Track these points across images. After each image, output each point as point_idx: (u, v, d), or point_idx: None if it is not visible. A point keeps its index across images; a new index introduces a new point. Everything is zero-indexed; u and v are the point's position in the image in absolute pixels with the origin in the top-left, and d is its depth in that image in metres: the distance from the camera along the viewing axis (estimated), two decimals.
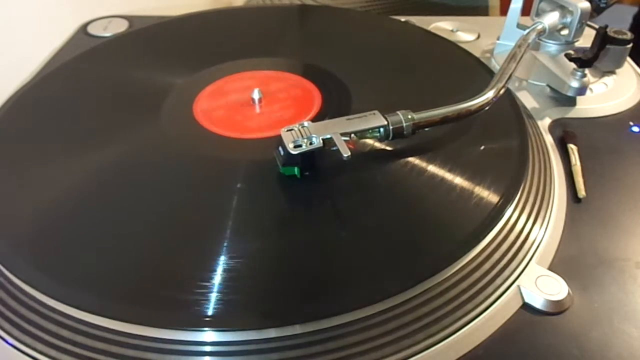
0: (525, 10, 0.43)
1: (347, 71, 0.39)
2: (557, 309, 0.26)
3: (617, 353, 0.25)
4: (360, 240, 0.27)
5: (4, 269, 0.27)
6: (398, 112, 0.31)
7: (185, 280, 0.25)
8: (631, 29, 0.42)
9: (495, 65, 0.44)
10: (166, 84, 0.39)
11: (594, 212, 0.32)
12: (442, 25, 0.50)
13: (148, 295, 0.25)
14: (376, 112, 0.31)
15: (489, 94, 0.33)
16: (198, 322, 0.24)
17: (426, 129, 0.31)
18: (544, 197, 0.31)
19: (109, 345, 0.24)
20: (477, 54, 0.44)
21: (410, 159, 0.31)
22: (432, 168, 0.31)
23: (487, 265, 0.27)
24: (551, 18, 0.39)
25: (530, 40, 0.38)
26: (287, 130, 0.30)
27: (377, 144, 0.32)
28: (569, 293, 0.27)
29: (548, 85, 0.41)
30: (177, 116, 0.36)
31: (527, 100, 0.40)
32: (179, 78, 0.40)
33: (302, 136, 0.29)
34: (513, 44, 0.37)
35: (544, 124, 0.38)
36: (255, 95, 0.37)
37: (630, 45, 0.41)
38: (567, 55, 0.40)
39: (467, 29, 0.49)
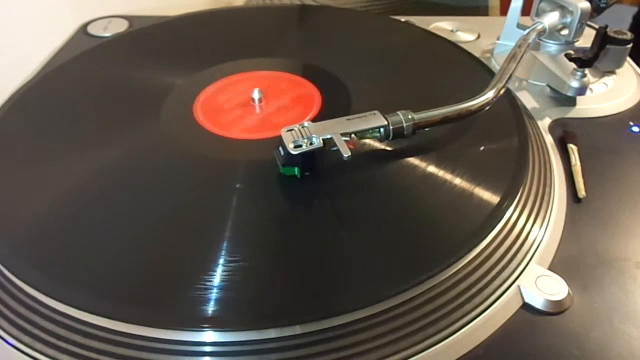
0: (525, 10, 0.43)
1: (347, 71, 0.39)
2: (557, 309, 0.26)
3: (617, 353, 0.25)
4: (360, 240, 0.27)
5: (4, 269, 0.27)
6: (398, 112, 0.31)
7: (185, 280, 0.25)
8: (631, 29, 0.42)
9: (495, 65, 0.44)
10: (166, 84, 0.39)
11: (594, 212, 0.32)
12: (442, 25, 0.50)
13: (148, 295, 0.25)
14: (376, 112, 0.31)
15: (489, 94, 0.33)
16: (198, 322, 0.24)
17: (426, 129, 0.31)
18: (544, 197, 0.31)
19: (108, 345, 0.24)
20: (477, 54, 0.44)
21: (411, 159, 0.31)
22: (432, 168, 0.31)
23: (487, 265, 0.27)
24: (551, 18, 0.39)
25: (530, 40, 0.38)
26: (287, 131, 0.30)
27: (377, 144, 0.32)
28: (569, 293, 0.27)
29: (548, 85, 0.41)
30: (177, 116, 0.36)
31: (527, 100, 0.40)
32: (179, 78, 0.40)
33: (302, 136, 0.29)
34: (513, 44, 0.37)
35: (544, 124, 0.38)
36: (255, 95, 0.37)
37: (630, 45, 0.41)
38: (567, 55, 0.40)
39: (467, 29, 0.49)
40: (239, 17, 0.50)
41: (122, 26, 0.51)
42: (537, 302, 0.26)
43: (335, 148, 0.29)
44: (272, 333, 0.24)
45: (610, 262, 0.29)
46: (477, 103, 0.32)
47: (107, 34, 0.50)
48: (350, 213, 0.29)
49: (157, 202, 0.30)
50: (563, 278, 0.27)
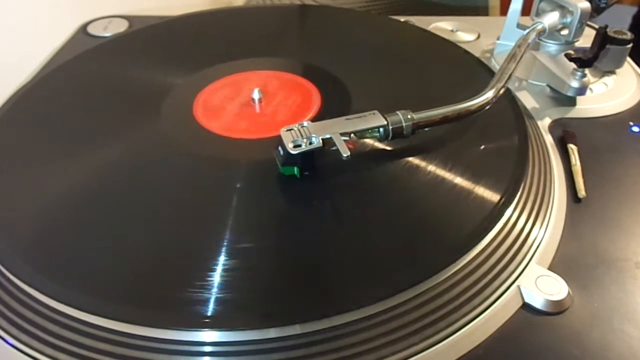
0: (525, 10, 0.43)
1: (347, 71, 0.39)
2: (557, 309, 0.26)
3: (618, 353, 0.25)
4: (359, 240, 0.27)
5: (4, 269, 0.27)
6: (398, 112, 0.31)
7: (185, 280, 0.25)
8: (631, 29, 0.42)
9: (495, 65, 0.44)
10: (166, 84, 0.39)
11: (594, 212, 0.32)
12: (442, 25, 0.50)
13: (148, 295, 0.25)
14: (376, 112, 0.31)
15: (489, 94, 0.33)
16: (198, 322, 0.24)
17: (426, 129, 0.31)
18: (544, 197, 0.31)
19: (108, 346, 0.24)
20: (477, 54, 0.44)
21: (410, 159, 0.31)
22: (431, 168, 0.31)
23: (487, 265, 0.27)
24: (551, 18, 0.39)
25: (530, 40, 0.38)
26: (287, 130, 0.30)
27: (377, 144, 0.32)
28: (569, 293, 0.27)
29: (548, 85, 0.41)
30: (177, 116, 0.36)
31: (527, 100, 0.40)
32: (179, 78, 0.40)
33: (301, 136, 0.29)
34: (513, 44, 0.37)
35: (544, 124, 0.38)
36: (255, 95, 0.37)
37: (630, 45, 0.41)
38: (567, 55, 0.40)
39: (467, 29, 0.49)
40: (238, 17, 0.50)
41: (122, 26, 0.51)
42: (537, 302, 0.26)
43: (334, 148, 0.29)
44: (272, 333, 0.24)
45: (610, 262, 0.29)
46: (477, 103, 0.32)
47: (107, 34, 0.50)
48: (350, 213, 0.29)
49: (157, 202, 0.30)
50: (563, 278, 0.27)
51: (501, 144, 0.33)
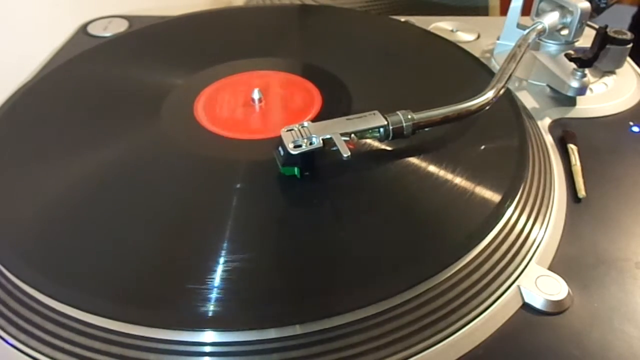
0: (525, 10, 0.43)
1: (347, 71, 0.39)
2: (557, 309, 0.26)
3: (618, 353, 0.25)
4: (360, 240, 0.27)
5: (4, 269, 0.27)
6: (398, 112, 0.31)
7: (185, 280, 0.25)
8: (630, 29, 0.42)
9: (495, 65, 0.44)
10: (166, 84, 0.39)
11: (594, 212, 0.32)
12: (442, 25, 0.50)
13: (148, 295, 0.25)
14: (376, 112, 0.31)
15: (489, 94, 0.33)
16: (198, 322, 0.24)
17: (426, 129, 0.31)
18: (544, 197, 0.31)
19: (108, 346, 0.24)
20: (477, 54, 0.44)
21: (410, 159, 0.31)
22: (432, 168, 0.31)
23: (487, 265, 0.27)
24: (551, 18, 0.39)
25: (530, 40, 0.38)
26: (287, 130, 0.30)
27: (377, 144, 0.32)
28: (569, 293, 0.27)
29: (548, 85, 0.41)
30: (178, 116, 0.36)
31: (527, 100, 0.40)
32: (179, 78, 0.40)
33: (302, 136, 0.29)
34: (513, 44, 0.37)
35: (544, 124, 0.38)
36: (255, 95, 0.37)
37: (630, 45, 0.41)
38: (567, 55, 0.40)
39: (467, 29, 0.49)
40: (239, 17, 0.50)
41: (122, 26, 0.51)
42: (537, 302, 0.26)
43: (335, 148, 0.29)
44: (272, 333, 0.24)
45: (610, 262, 0.29)
46: (477, 103, 0.32)
47: (107, 34, 0.50)
48: (350, 213, 0.29)
49: (157, 202, 0.30)
50: (563, 278, 0.27)
51: (501, 144, 0.33)
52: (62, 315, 0.25)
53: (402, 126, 0.30)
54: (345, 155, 0.28)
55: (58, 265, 0.27)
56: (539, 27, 0.39)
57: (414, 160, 0.31)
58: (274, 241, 0.28)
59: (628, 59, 0.43)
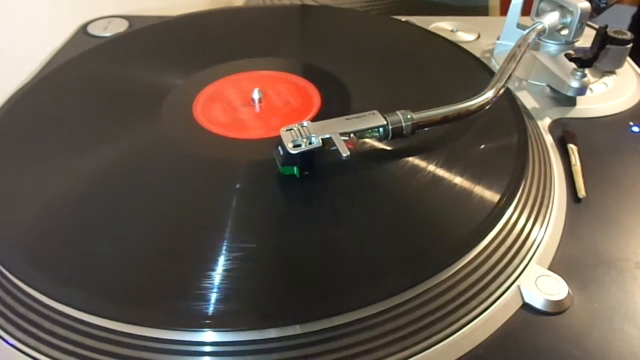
0: (525, 10, 0.43)
1: (347, 71, 0.39)
2: (557, 309, 0.26)
3: (618, 353, 0.25)
4: (360, 240, 0.27)
5: (4, 269, 0.27)
6: (397, 112, 0.31)
7: (185, 280, 0.25)
8: (630, 29, 0.42)
9: (495, 65, 0.44)
10: (166, 84, 0.39)
11: (594, 212, 0.32)
12: (442, 25, 0.50)
13: (148, 295, 0.25)
14: (375, 112, 0.31)
15: (489, 94, 0.33)
16: (198, 322, 0.24)
17: (426, 129, 0.31)
18: (544, 197, 0.31)
19: (108, 345, 0.24)
20: (477, 54, 0.44)
21: (410, 159, 0.31)
22: (431, 168, 0.31)
23: (487, 265, 0.27)
24: (551, 18, 0.39)
25: (530, 40, 0.38)
26: (287, 130, 0.30)
27: (377, 144, 0.32)
28: (569, 293, 0.27)
29: (548, 85, 0.41)
30: (177, 116, 0.36)
31: (527, 100, 0.40)
32: (179, 78, 0.40)
33: (301, 136, 0.29)
34: (513, 44, 0.37)
35: (544, 124, 0.38)
36: (255, 95, 0.37)
37: (630, 45, 0.41)
38: (567, 55, 0.40)
39: (467, 29, 0.49)
40: (239, 17, 0.50)
41: (122, 26, 0.51)
42: (537, 302, 0.26)
43: (334, 148, 0.29)
44: (272, 333, 0.24)
45: (610, 262, 0.29)
46: (477, 103, 0.32)
47: (107, 34, 0.50)
48: (350, 213, 0.29)
49: (157, 202, 0.30)
50: (563, 278, 0.27)
51: (501, 144, 0.33)
52: (62, 315, 0.25)
53: (402, 126, 0.30)
54: (344, 155, 0.28)
55: (58, 265, 0.27)
56: (539, 27, 0.39)
57: (413, 160, 0.31)
58: (274, 241, 0.28)
59: (628, 59, 0.43)
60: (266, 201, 0.30)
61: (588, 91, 0.39)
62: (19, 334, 0.26)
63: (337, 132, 0.29)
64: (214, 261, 0.26)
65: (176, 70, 0.40)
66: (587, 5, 0.39)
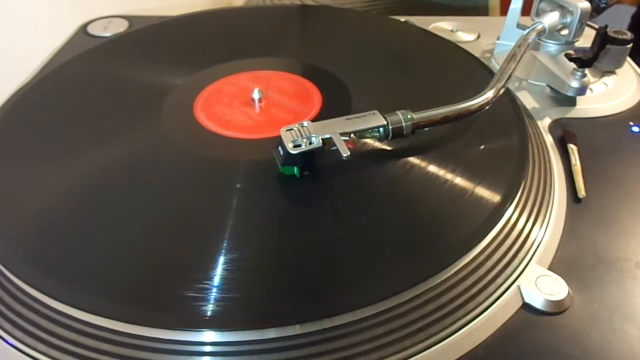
0: (525, 10, 0.43)
1: (347, 71, 0.39)
2: (557, 309, 0.26)
3: (618, 353, 0.25)
4: (360, 240, 0.27)
5: (4, 269, 0.27)
6: (397, 112, 0.31)
7: (185, 280, 0.25)
8: (629, 29, 0.42)
9: (495, 65, 0.44)
10: (166, 84, 0.39)
11: (594, 212, 0.32)
12: (442, 25, 0.50)
13: (148, 295, 0.25)
14: (376, 112, 0.31)
15: (489, 94, 0.33)
16: (198, 322, 0.24)
17: (426, 129, 0.31)
18: (544, 197, 0.31)
19: (108, 345, 0.24)
20: (477, 54, 0.44)
21: (410, 159, 0.31)
22: (431, 168, 0.31)
23: (487, 265, 0.27)
24: (551, 18, 0.39)
25: (530, 40, 0.38)
26: (287, 130, 0.30)
27: (377, 144, 0.32)
28: (569, 293, 0.27)
29: (548, 85, 0.41)
30: (178, 116, 0.36)
31: (527, 100, 0.40)
32: (179, 78, 0.40)
33: (301, 136, 0.29)
34: (513, 44, 0.37)
35: (544, 124, 0.38)
36: (255, 95, 0.37)
37: (630, 45, 0.41)
38: (567, 55, 0.40)
39: (467, 29, 0.49)
40: (239, 17, 0.50)
41: (122, 26, 0.51)
42: (537, 302, 0.26)
43: (334, 148, 0.29)
44: (272, 333, 0.24)
45: (610, 262, 0.29)
46: (477, 103, 0.32)
47: (107, 34, 0.50)
48: (350, 213, 0.29)
49: (157, 202, 0.30)
50: (563, 278, 0.27)
51: (501, 144, 0.33)
52: (62, 315, 0.25)
53: (402, 126, 0.30)
54: (344, 155, 0.28)
55: (58, 265, 0.27)
56: (539, 27, 0.39)
57: (413, 160, 0.31)
58: (274, 241, 0.28)
59: (628, 58, 0.43)
60: (266, 201, 0.30)
61: (588, 91, 0.39)
62: (19, 334, 0.26)
63: (337, 132, 0.29)
64: (214, 261, 0.26)
65: (176, 70, 0.40)
66: (587, 5, 0.39)
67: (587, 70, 0.38)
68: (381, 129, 0.30)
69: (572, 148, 0.35)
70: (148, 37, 0.46)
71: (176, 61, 0.42)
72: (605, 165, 0.34)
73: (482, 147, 0.32)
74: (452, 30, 0.49)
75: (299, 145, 0.29)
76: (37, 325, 0.26)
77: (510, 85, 0.38)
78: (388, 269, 0.26)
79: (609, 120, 0.38)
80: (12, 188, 0.31)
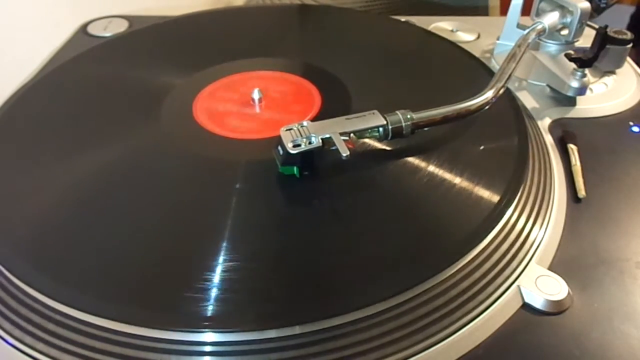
0: (525, 10, 0.43)
1: (347, 71, 0.39)
2: (557, 309, 0.26)
3: (617, 353, 0.25)
4: (359, 240, 0.27)
5: (4, 269, 0.27)
6: (397, 112, 0.31)
7: (185, 281, 0.25)
8: (629, 28, 0.42)
9: (495, 65, 0.44)
10: (166, 84, 0.39)
11: (594, 212, 0.32)
12: (442, 25, 0.50)
13: (148, 295, 0.25)
14: (375, 111, 0.31)
15: (489, 94, 0.33)
16: (198, 322, 0.24)
17: (425, 129, 0.31)
18: (544, 197, 0.31)
19: (108, 345, 0.24)
20: (477, 54, 0.44)
21: (410, 158, 0.31)
22: (431, 168, 0.31)
23: (487, 265, 0.27)
24: (551, 18, 0.39)
25: (530, 40, 0.38)
26: (287, 130, 0.30)
27: (377, 144, 0.32)
28: (569, 293, 0.27)
29: (548, 85, 0.41)
30: (177, 116, 0.36)
31: (527, 100, 0.40)
32: (179, 78, 0.40)
33: (301, 136, 0.29)
34: (513, 44, 0.37)
35: (544, 124, 0.38)
36: (255, 95, 0.37)
37: (630, 45, 0.41)
38: (567, 55, 0.40)
39: (467, 29, 0.49)
40: (239, 17, 0.50)
41: (122, 26, 0.51)
42: (537, 302, 0.26)
43: (334, 147, 0.29)
44: (272, 333, 0.24)
45: (610, 262, 0.29)
46: (477, 103, 0.32)
47: (107, 34, 0.50)
48: (350, 213, 0.29)
49: (157, 202, 0.30)
50: (563, 278, 0.27)
51: (501, 144, 0.33)
52: (62, 315, 0.25)
53: (401, 126, 0.30)
54: (344, 155, 0.28)
55: (58, 265, 0.27)
56: (539, 27, 0.39)
57: (413, 160, 0.31)
58: (274, 241, 0.28)
59: (628, 58, 0.43)
60: (266, 201, 0.30)
61: (588, 91, 0.39)
62: (19, 334, 0.26)
63: (337, 132, 0.29)
64: (214, 261, 0.26)
65: (176, 70, 0.40)
66: (587, 5, 0.39)
67: (587, 70, 0.38)
68: (381, 129, 0.30)
69: (572, 148, 0.35)
70: (148, 37, 0.46)
71: (176, 61, 0.42)
72: (605, 165, 0.34)
73: (482, 147, 0.32)
74: (452, 30, 0.49)
75: (299, 145, 0.29)
76: (37, 325, 0.26)
77: (510, 85, 0.38)
78: (388, 269, 0.26)
79: (609, 120, 0.38)
80: (12, 188, 0.31)
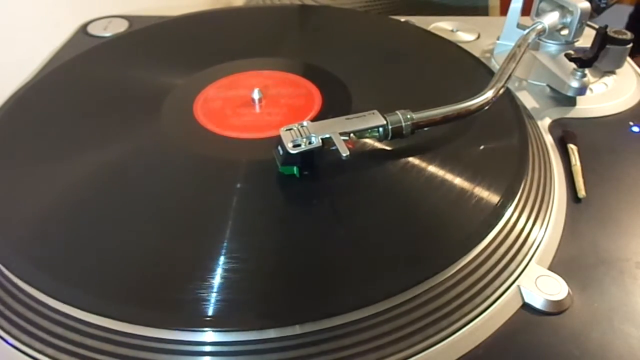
0: (525, 10, 0.43)
1: (347, 71, 0.39)
2: (557, 309, 0.26)
3: (617, 353, 0.25)
4: (359, 240, 0.27)
5: (4, 269, 0.27)
6: (397, 112, 0.31)
7: (185, 281, 0.25)
8: (627, 28, 0.42)
9: (495, 65, 0.44)
10: (166, 84, 0.39)
11: (594, 212, 0.32)
12: (442, 25, 0.50)
13: (148, 295, 0.25)
14: (375, 111, 0.31)
15: (489, 94, 0.33)
16: (198, 322, 0.24)
17: (425, 129, 0.31)
18: (544, 197, 0.31)
19: (108, 345, 0.24)
20: (477, 54, 0.44)
21: (410, 159, 0.31)
22: (431, 168, 0.31)
23: (487, 266, 0.27)
24: (551, 18, 0.39)
25: (530, 40, 0.38)
26: (287, 130, 0.30)
27: (377, 144, 0.32)
28: (569, 293, 0.27)
29: (548, 85, 0.41)
30: (177, 116, 0.36)
31: (527, 100, 0.40)
32: (179, 78, 0.40)
33: (301, 136, 0.29)
34: (513, 44, 0.37)
35: (544, 124, 0.38)
36: (255, 95, 0.37)
37: (630, 45, 0.41)
38: (567, 55, 0.40)
39: (467, 29, 0.49)
40: (239, 17, 0.50)
41: (122, 26, 0.51)
42: (537, 302, 0.26)
43: (334, 147, 0.29)
44: (272, 333, 0.24)
45: (610, 262, 0.29)
46: (477, 103, 0.32)
47: (107, 34, 0.50)
48: (350, 213, 0.29)
49: (157, 202, 0.30)
50: (563, 278, 0.27)
51: (501, 144, 0.33)
52: (63, 315, 0.25)
53: (401, 126, 0.30)
54: (344, 155, 0.28)
55: (58, 265, 0.27)
56: (539, 27, 0.39)
57: (413, 160, 0.31)
58: (274, 241, 0.28)
59: (628, 58, 0.43)
60: (266, 201, 0.30)
61: (588, 91, 0.39)
62: (19, 334, 0.26)
63: (337, 131, 0.29)
64: (214, 261, 0.26)
65: (176, 70, 0.40)
66: (587, 5, 0.39)
67: (587, 70, 0.38)
68: (381, 129, 0.30)
69: (572, 148, 0.35)
70: (148, 37, 0.46)
71: (176, 61, 0.42)
72: (605, 165, 0.34)
73: (482, 147, 0.32)
74: (452, 30, 0.49)
75: (299, 145, 0.29)
76: (37, 324, 0.26)
77: (510, 85, 0.38)
78: (388, 269, 0.26)
79: (609, 120, 0.38)
80: (12, 187, 0.31)
